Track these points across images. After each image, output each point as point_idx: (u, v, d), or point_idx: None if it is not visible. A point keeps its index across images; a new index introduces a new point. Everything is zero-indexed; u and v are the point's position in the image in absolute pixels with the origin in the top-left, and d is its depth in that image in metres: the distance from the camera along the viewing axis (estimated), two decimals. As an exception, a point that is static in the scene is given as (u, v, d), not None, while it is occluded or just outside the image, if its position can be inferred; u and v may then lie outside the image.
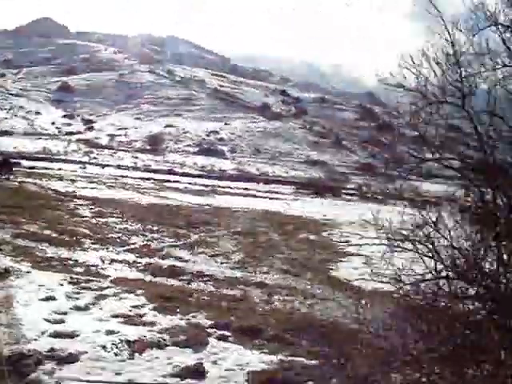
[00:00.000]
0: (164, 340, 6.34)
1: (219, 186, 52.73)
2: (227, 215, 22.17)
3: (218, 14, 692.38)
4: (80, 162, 69.41)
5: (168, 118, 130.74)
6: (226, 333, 6.72)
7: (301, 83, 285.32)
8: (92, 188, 33.60)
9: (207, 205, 28.52)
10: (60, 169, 53.57)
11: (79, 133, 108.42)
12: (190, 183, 53.16)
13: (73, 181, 38.33)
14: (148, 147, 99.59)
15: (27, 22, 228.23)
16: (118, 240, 12.99)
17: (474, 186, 7.32)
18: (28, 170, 43.35)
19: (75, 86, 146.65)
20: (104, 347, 6.34)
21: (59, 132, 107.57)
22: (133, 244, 12.52)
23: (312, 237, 17.62)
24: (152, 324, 6.72)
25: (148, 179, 52.26)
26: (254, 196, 43.38)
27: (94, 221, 16.20)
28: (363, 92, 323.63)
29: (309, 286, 10.00)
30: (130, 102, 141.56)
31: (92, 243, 12.09)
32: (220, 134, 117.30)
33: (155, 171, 70.29)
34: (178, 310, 7.23)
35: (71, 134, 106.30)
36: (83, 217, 16.98)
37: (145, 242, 13.10)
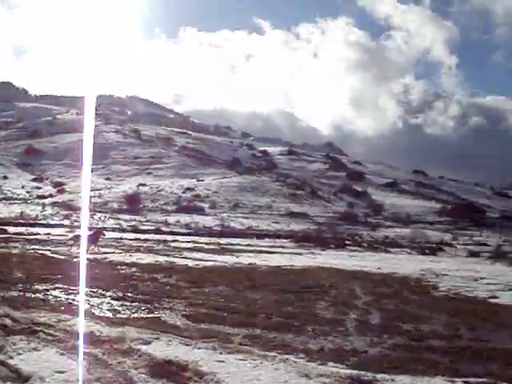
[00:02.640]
0: None
1: (220, 244, 50.62)
2: (310, 276, 19.89)
3: (170, 74, 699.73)
4: (64, 226, 66.22)
5: (139, 177, 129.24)
6: None
7: (262, 137, 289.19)
8: (112, 252, 31.24)
9: (255, 264, 26.19)
10: (49, 234, 50.61)
11: (51, 196, 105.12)
12: (189, 241, 50.84)
13: (85, 246, 35.71)
14: (125, 207, 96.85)
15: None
16: (328, 321, 10.55)
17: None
18: (28, 237, 40.75)
19: (41, 148, 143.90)
20: None
21: (30, 196, 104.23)
22: (342, 320, 10.21)
23: (449, 294, 15.60)
24: None
25: (147, 240, 49.69)
26: (270, 252, 41.32)
27: (225, 292, 13.79)
28: (322, 143, 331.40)
29: None
30: (98, 163, 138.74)
31: (300, 325, 9.78)
32: (195, 191, 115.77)
33: (144, 231, 67.43)
34: None
35: (43, 197, 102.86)
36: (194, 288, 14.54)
37: (356, 317, 10.69)
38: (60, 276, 15.90)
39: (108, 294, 12.59)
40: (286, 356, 7.43)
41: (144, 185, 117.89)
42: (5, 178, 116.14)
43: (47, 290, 12.89)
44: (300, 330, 9.39)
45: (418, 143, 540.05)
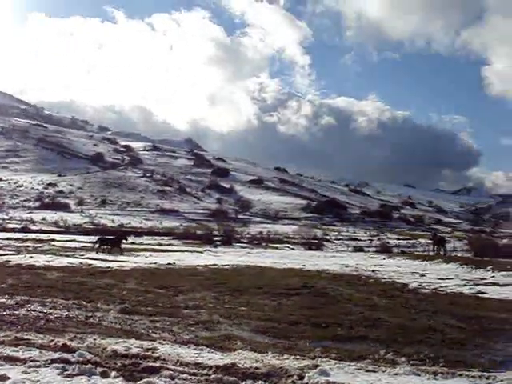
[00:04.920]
0: None
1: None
2: (268, 276, 18.71)
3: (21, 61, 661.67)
4: None
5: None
6: None
7: (119, 132, 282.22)
8: (3, 254, 28.25)
9: (179, 265, 24.54)
10: None
11: None
12: (70, 240, 47.66)
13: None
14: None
15: None
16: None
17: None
18: None
19: None
20: None
21: None
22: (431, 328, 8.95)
23: (435, 291, 15.19)
24: None
25: (23, 239, 45.56)
26: (168, 250, 39.85)
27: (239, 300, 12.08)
28: (179, 138, 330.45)
29: None
30: None
31: (427, 337, 8.47)
32: (59, 187, 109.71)
33: (11, 230, 62.26)
34: None
35: None
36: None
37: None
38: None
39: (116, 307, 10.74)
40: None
41: (0, 179, 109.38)
42: None
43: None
44: (435, 343, 8.47)
45: (273, 140, 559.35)
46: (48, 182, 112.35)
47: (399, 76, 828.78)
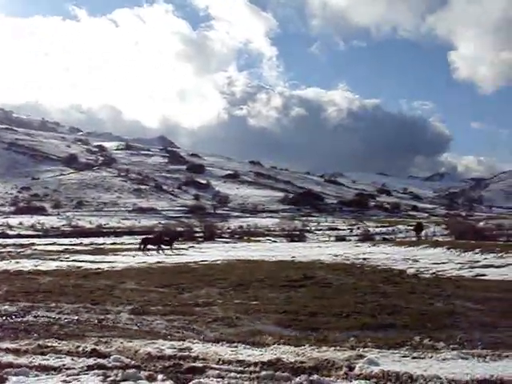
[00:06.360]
0: None
1: (86, 244, 47.63)
2: (272, 269, 18.79)
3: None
4: None
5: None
6: None
7: (91, 132, 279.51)
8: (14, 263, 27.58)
9: (180, 263, 24.36)
10: None
11: None
12: (51, 243, 47.02)
13: None
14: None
15: None
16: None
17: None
18: None
19: None
20: None
21: None
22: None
23: (436, 276, 15.39)
24: None
25: (9, 245, 44.78)
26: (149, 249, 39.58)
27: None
28: (151, 136, 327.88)
29: None
30: None
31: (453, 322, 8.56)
32: (33, 190, 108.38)
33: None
34: None
35: None
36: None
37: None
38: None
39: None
40: None
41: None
42: None
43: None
44: (465, 326, 8.64)
45: (245, 134, 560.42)
46: (22, 185, 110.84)
47: (367, 64, 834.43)
